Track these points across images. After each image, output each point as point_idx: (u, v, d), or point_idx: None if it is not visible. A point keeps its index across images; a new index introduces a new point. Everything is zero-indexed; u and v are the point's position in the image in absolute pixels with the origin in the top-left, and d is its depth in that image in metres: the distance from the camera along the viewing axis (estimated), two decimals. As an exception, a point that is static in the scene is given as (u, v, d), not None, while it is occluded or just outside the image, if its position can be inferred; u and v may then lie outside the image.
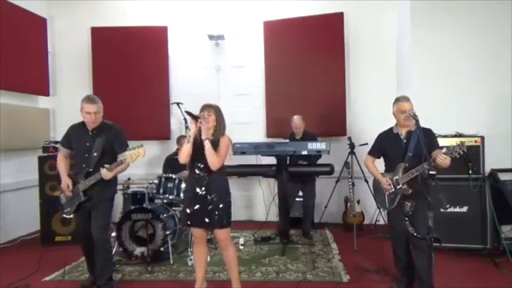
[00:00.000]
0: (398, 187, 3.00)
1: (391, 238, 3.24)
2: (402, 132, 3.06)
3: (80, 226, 3.36)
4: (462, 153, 2.72)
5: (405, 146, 3.01)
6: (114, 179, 3.33)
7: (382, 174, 3.16)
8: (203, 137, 2.88)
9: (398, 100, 3.06)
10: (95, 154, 3.17)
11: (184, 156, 2.94)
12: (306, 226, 4.90)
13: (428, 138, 2.87)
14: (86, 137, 3.24)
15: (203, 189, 2.93)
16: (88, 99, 3.20)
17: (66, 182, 3.21)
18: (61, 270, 3.72)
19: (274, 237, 4.79)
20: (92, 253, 3.25)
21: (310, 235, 4.82)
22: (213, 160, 2.88)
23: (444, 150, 2.78)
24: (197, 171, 2.97)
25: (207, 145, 2.86)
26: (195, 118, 2.90)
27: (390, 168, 3.13)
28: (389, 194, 3.07)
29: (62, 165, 3.32)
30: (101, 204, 3.20)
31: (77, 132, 3.30)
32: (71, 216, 3.31)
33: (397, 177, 3.01)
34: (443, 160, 2.73)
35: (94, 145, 3.19)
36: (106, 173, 3.08)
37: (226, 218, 2.97)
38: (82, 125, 3.28)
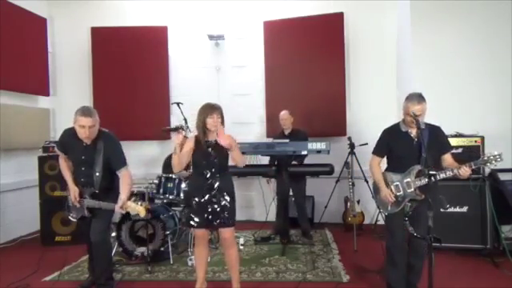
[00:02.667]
0: (409, 191, 2.76)
1: (390, 246, 2.98)
2: (412, 131, 2.82)
3: (82, 229, 3.33)
4: (495, 165, 2.53)
5: (417, 145, 2.77)
6: (117, 189, 3.18)
7: (383, 173, 2.98)
8: (223, 143, 2.85)
9: (408, 99, 2.77)
10: (97, 174, 3.07)
11: (176, 167, 2.95)
12: (303, 225, 4.89)
13: (438, 138, 2.73)
14: (80, 149, 3.08)
15: (210, 189, 2.94)
16: (82, 112, 2.94)
17: (73, 192, 3.11)
18: (61, 270, 3.72)
19: (273, 237, 4.80)
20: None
21: (309, 235, 4.81)
22: (243, 161, 3.04)
23: (479, 160, 2.58)
24: (204, 172, 2.97)
25: (235, 152, 2.94)
26: (177, 130, 2.96)
27: (395, 167, 2.89)
28: (395, 196, 2.85)
29: (65, 170, 3.21)
30: (102, 212, 3.15)
31: (70, 141, 3.11)
32: (75, 219, 3.29)
33: (408, 179, 2.78)
34: (465, 173, 2.56)
35: (95, 162, 3.06)
36: (119, 210, 3.02)
37: (232, 217, 2.99)
38: (75, 133, 3.04)
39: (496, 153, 2.52)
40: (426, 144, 2.67)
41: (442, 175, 2.65)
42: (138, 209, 2.96)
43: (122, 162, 3.13)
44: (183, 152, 2.95)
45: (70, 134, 3.10)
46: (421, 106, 2.71)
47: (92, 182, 3.10)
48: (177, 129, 2.94)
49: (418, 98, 2.74)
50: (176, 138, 2.94)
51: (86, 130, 2.94)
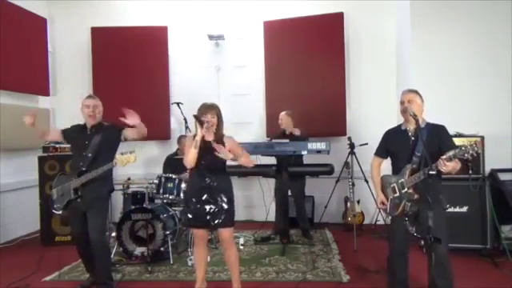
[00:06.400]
0: (403, 191, 2.68)
1: (389, 250, 2.90)
2: (411, 128, 2.76)
3: (74, 228, 3.32)
4: (475, 154, 2.36)
5: (413, 144, 2.71)
6: (108, 179, 3.31)
7: (384, 176, 2.91)
8: (226, 155, 2.88)
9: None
10: (90, 155, 3.17)
11: (191, 161, 2.93)
12: (303, 224, 4.90)
13: (440, 137, 2.68)
14: (85, 135, 3.26)
15: (207, 189, 2.93)
16: (88, 96, 3.39)
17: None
18: (61, 269, 3.72)
19: (273, 237, 4.80)
20: (88, 254, 3.24)
21: (309, 235, 4.82)
22: (249, 162, 3.02)
23: (451, 152, 2.40)
24: (201, 172, 2.96)
25: (244, 155, 2.97)
26: (202, 123, 2.89)
27: (396, 169, 2.82)
28: (392, 198, 2.78)
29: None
30: (95, 205, 3.17)
31: (77, 130, 3.34)
32: (60, 212, 3.30)
33: (403, 179, 2.69)
34: (445, 167, 2.39)
35: (91, 144, 3.19)
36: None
37: (230, 217, 2.98)
38: (83, 125, 3.34)
39: (472, 143, 2.38)
40: (424, 142, 2.58)
41: (431, 172, 2.49)
42: (127, 157, 3.06)
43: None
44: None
45: (79, 125, 3.38)
46: (409, 94, 2.76)
47: (84, 163, 3.17)
48: (202, 122, 2.89)
49: (409, 89, 2.82)
50: (200, 132, 2.88)
51: (91, 108, 3.24)
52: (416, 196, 2.64)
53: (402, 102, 2.77)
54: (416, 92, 2.80)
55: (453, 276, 2.67)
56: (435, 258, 2.45)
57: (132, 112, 3.14)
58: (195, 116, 2.93)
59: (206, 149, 2.92)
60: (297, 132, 4.84)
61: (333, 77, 5.58)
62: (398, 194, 2.74)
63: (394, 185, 2.77)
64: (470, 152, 2.32)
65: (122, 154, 3.09)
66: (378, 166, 3.02)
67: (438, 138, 2.68)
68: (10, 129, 4.93)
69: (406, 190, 2.68)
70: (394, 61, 5.53)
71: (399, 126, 2.91)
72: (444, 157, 2.43)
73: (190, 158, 2.92)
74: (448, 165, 2.40)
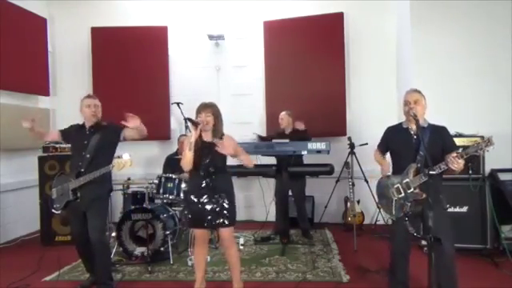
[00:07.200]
0: (409, 191, 2.65)
1: (391, 250, 2.92)
2: (413, 127, 2.74)
3: (74, 228, 3.31)
4: (487, 150, 2.38)
5: (416, 142, 2.70)
6: (107, 179, 3.32)
7: (385, 177, 2.91)
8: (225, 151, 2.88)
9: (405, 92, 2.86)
10: (88, 156, 3.17)
11: (187, 164, 2.93)
12: (303, 224, 4.89)
13: (441, 138, 2.68)
14: (84, 135, 3.26)
15: (208, 189, 2.94)
16: (87, 95, 3.40)
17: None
18: (61, 269, 3.71)
19: (273, 237, 4.80)
20: (88, 254, 3.24)
21: (309, 235, 4.82)
22: (249, 161, 3.05)
23: (463, 150, 2.41)
24: (201, 172, 2.96)
25: (245, 154, 3.00)
26: (195, 124, 2.89)
27: (398, 168, 2.80)
28: (397, 199, 2.73)
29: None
30: (94, 205, 3.17)
31: (76, 130, 3.35)
32: (59, 212, 3.31)
33: (407, 179, 2.66)
34: (457, 164, 2.41)
35: (89, 144, 3.20)
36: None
37: (231, 217, 2.98)
38: (82, 125, 3.34)
39: (485, 138, 2.40)
40: (427, 143, 2.59)
41: (437, 170, 2.50)
42: (123, 161, 3.06)
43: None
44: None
45: (77, 125, 3.39)
46: (415, 94, 2.76)
47: (83, 164, 3.17)
48: (197, 124, 2.88)
49: (413, 89, 2.82)
50: (195, 134, 2.88)
51: (92, 107, 3.26)
52: (424, 195, 2.58)
53: (407, 102, 2.77)
54: (420, 92, 2.81)
55: (457, 277, 2.68)
56: (439, 259, 2.43)
57: (133, 116, 3.13)
58: (188, 118, 2.95)
59: (205, 149, 2.93)
60: (301, 126, 4.87)
61: (333, 77, 5.58)
62: (403, 194, 2.71)
63: (398, 185, 2.74)
64: (483, 147, 2.36)
65: (118, 157, 3.10)
66: (380, 155, 3.08)
67: (440, 139, 2.69)
68: (10, 129, 4.92)
69: (412, 190, 2.65)
70: (394, 61, 5.53)
71: (400, 124, 2.92)
72: (454, 154, 2.43)
73: (186, 160, 2.92)
74: (460, 162, 2.42)
